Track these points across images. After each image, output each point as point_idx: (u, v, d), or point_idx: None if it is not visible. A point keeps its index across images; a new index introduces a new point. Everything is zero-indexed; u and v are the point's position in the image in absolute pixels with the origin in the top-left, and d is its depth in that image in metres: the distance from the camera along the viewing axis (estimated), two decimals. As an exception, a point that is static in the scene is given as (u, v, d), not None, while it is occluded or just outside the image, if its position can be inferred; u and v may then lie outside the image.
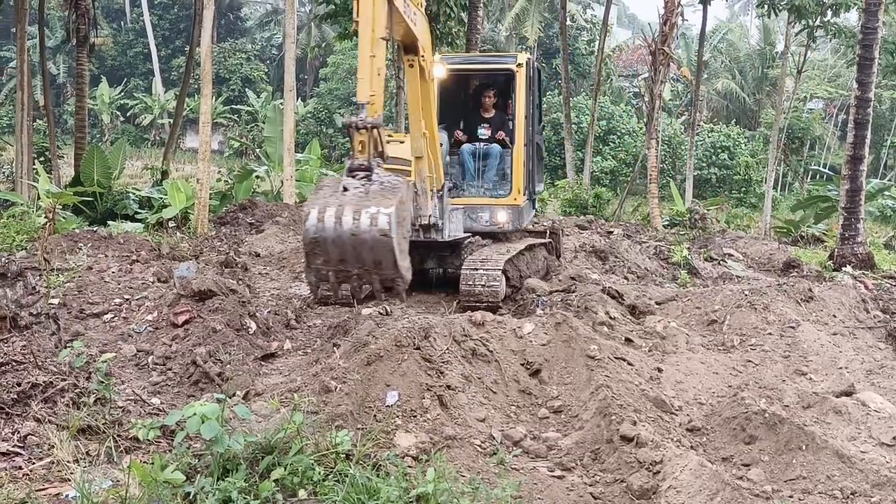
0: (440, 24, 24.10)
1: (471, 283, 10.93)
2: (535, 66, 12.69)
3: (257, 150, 33.80)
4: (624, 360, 7.75)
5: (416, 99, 10.27)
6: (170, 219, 18.37)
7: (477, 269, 11.04)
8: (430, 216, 10.88)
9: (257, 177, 25.06)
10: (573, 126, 35.20)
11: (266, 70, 58.15)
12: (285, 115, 21.45)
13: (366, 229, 7.09)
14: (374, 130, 7.70)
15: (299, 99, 45.94)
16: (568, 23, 35.80)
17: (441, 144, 11.97)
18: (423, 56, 9.83)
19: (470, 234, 12.01)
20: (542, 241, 13.21)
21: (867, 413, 7.19)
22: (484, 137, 12.31)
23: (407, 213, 7.61)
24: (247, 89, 54.52)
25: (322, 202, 7.37)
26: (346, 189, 7.44)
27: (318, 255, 7.48)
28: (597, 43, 39.91)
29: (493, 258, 11.30)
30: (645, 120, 29.40)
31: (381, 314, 10.23)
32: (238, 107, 53.73)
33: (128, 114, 57.15)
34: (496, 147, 12.18)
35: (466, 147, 12.43)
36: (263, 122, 37.58)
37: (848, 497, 5.73)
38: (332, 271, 7.48)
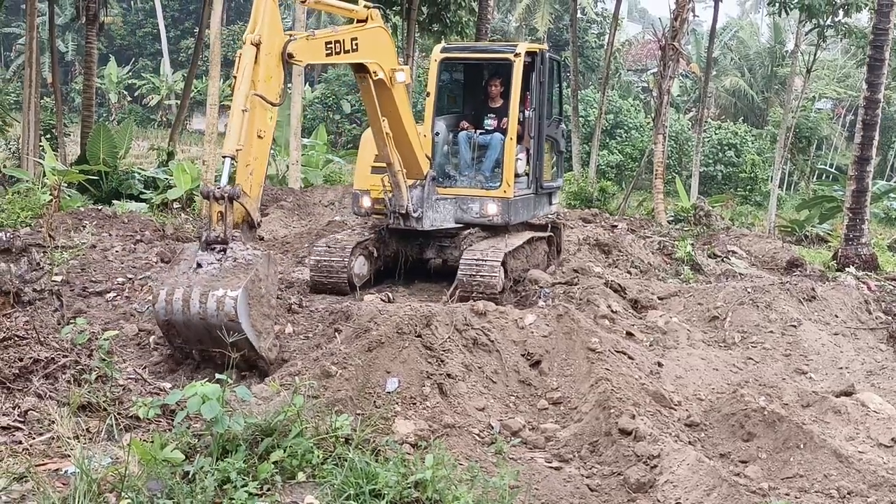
0: (450, 13, 24.06)
1: (470, 272, 10.87)
2: (550, 58, 12.46)
3: (264, 134, 33.69)
4: (624, 353, 7.75)
5: (374, 110, 10.45)
6: (175, 200, 18.37)
7: (476, 260, 10.98)
8: (404, 206, 11.10)
9: (263, 160, 24.94)
10: (580, 119, 35.12)
11: (275, 54, 58.02)
12: (292, 99, 21.42)
13: (213, 314, 6.87)
14: (236, 201, 7.53)
15: (307, 84, 45.80)
16: (578, 15, 35.69)
17: (437, 134, 12.06)
18: (374, 73, 10.03)
19: (461, 224, 11.86)
20: (543, 234, 13.07)
21: (866, 413, 7.19)
22: (490, 128, 12.08)
23: (266, 289, 7.31)
24: (255, 73, 54.49)
25: (172, 281, 7.13)
26: (199, 265, 7.20)
27: (174, 335, 7.24)
28: (607, 36, 39.79)
29: (494, 250, 11.23)
30: (652, 115, 29.36)
31: (383, 301, 10.25)
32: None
33: (135, 94, 57.05)
34: (497, 137, 11.93)
35: (463, 135, 12.24)
36: (270, 106, 37.47)
37: (844, 497, 5.74)
38: (195, 350, 7.27)
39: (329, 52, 9.35)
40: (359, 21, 10.00)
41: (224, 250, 7.29)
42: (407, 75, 10.61)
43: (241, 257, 7.24)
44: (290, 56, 8.39)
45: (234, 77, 7.93)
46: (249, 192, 7.93)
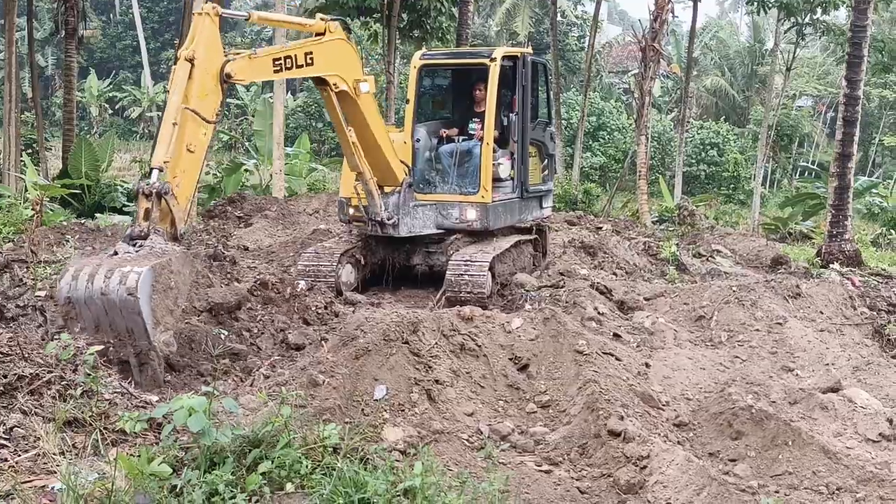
0: (431, 19, 24.09)
1: (458, 272, 10.98)
2: (533, 61, 12.54)
3: (246, 144, 33.70)
4: (612, 355, 7.76)
5: (338, 121, 10.50)
6: (158, 212, 18.25)
7: (465, 261, 11.10)
8: (378, 214, 11.24)
9: (246, 170, 24.97)
10: (563, 122, 35.21)
11: (256, 63, 57.84)
12: (275, 108, 21.40)
13: (114, 288, 6.78)
14: (163, 198, 7.56)
15: (289, 93, 45.76)
16: (558, 18, 35.80)
17: (418, 140, 12.14)
18: (335, 85, 10.04)
19: (442, 230, 11.98)
20: (529, 237, 13.17)
21: (853, 409, 7.22)
22: (474, 132, 12.15)
23: (176, 284, 7.19)
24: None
25: (83, 262, 7.14)
26: (115, 253, 7.21)
27: (74, 319, 7.11)
28: (587, 39, 39.92)
29: (482, 253, 11.33)
30: (635, 116, 29.42)
31: (370, 307, 10.23)
32: (227, 100, 53.48)
33: (116, 106, 56.84)
34: (479, 143, 12.00)
35: (445, 147, 12.38)
36: (253, 116, 37.45)
37: (833, 493, 5.75)
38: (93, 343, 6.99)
39: (278, 68, 9.25)
40: (317, 34, 9.93)
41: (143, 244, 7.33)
42: (371, 85, 10.57)
43: (159, 248, 7.24)
44: (228, 76, 8.33)
45: (167, 91, 7.91)
46: (177, 203, 7.85)
